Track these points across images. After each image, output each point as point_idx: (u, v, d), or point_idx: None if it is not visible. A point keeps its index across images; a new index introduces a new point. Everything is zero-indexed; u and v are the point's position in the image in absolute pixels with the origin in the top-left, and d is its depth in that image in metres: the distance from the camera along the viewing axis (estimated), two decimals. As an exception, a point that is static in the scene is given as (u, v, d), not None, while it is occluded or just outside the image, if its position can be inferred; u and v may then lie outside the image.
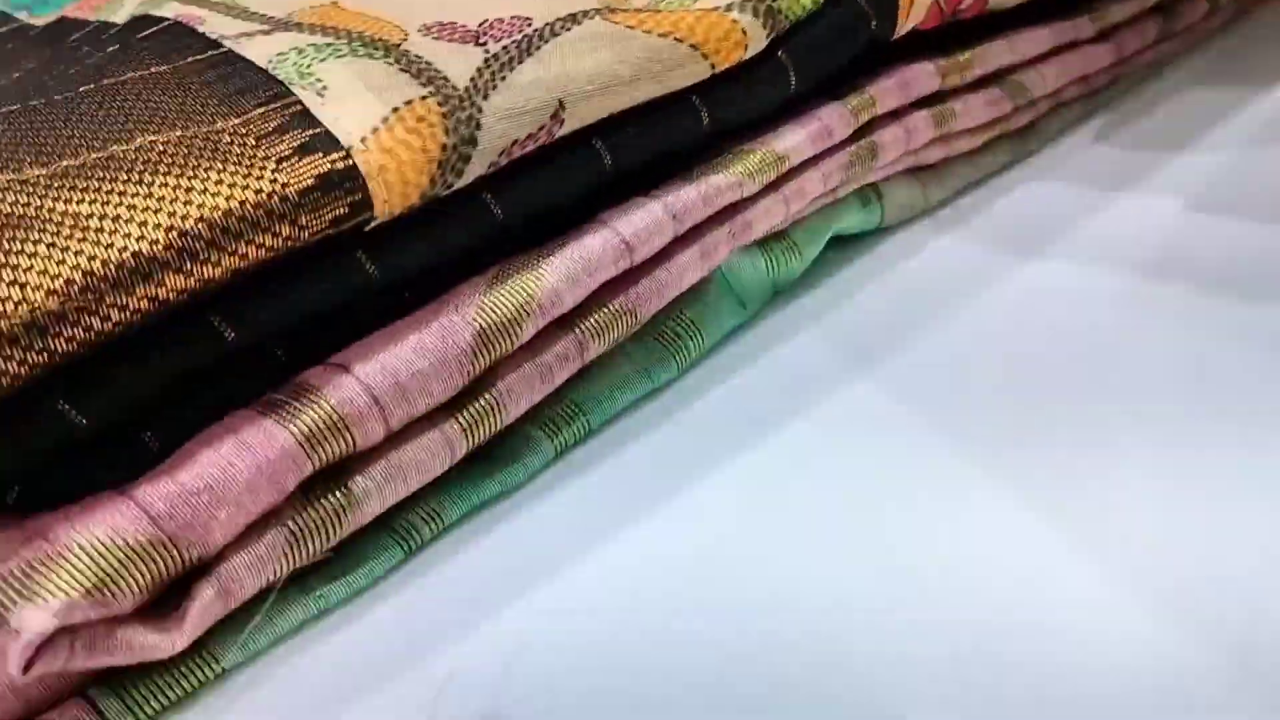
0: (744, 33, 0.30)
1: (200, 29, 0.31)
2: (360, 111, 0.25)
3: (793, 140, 0.33)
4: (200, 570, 0.24)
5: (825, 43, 0.33)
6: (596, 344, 0.30)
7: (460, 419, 0.28)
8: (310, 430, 0.25)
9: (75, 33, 0.34)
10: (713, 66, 0.30)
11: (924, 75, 0.36)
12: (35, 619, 0.22)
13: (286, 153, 0.24)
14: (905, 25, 0.34)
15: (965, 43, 0.38)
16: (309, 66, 0.27)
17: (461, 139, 0.26)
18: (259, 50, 0.28)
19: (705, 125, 0.31)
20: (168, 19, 0.32)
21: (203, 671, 0.25)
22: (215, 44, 0.29)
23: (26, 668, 0.22)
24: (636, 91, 0.29)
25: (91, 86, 0.28)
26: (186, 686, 0.25)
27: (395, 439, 0.27)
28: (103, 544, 0.23)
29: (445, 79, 0.26)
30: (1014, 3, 0.38)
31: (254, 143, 0.24)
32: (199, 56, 0.29)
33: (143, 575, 0.23)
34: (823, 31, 0.33)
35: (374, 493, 0.26)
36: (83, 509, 0.23)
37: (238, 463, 0.24)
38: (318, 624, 0.26)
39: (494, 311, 0.28)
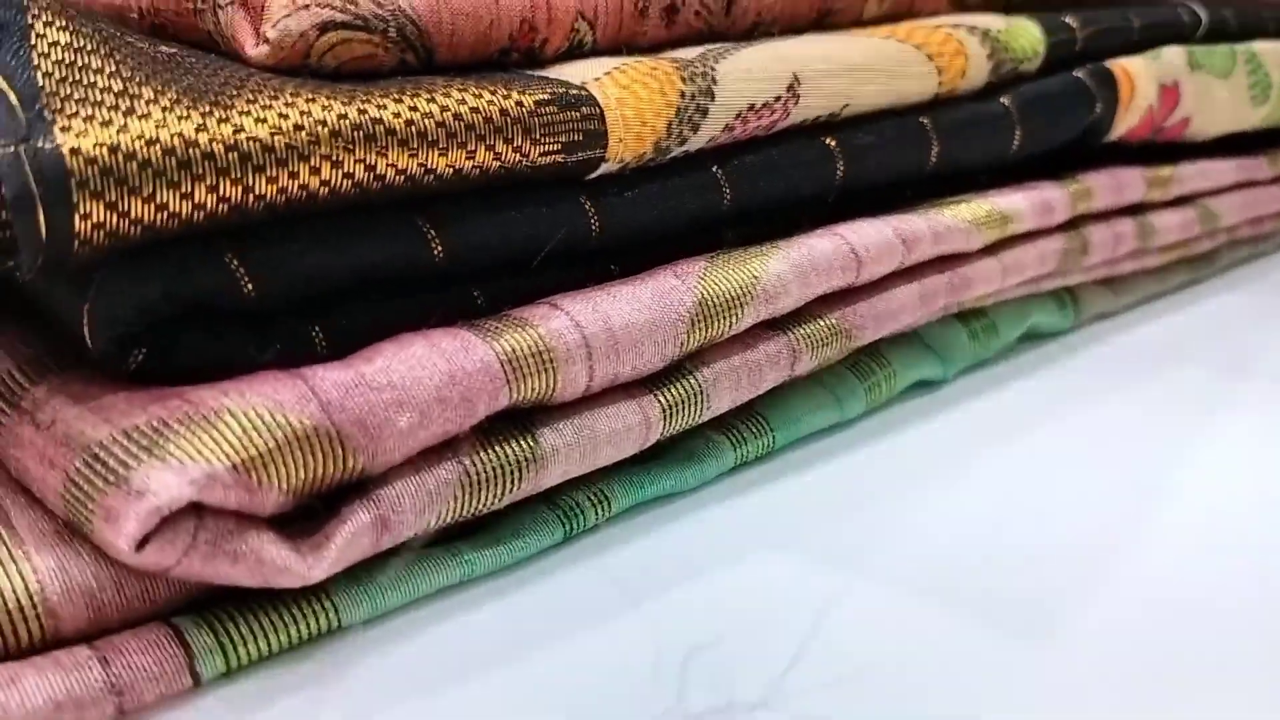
0: (961, 43, 0.30)
1: None
2: (593, 68, 0.24)
3: (1016, 204, 0.31)
4: (357, 490, 0.19)
5: (1050, 105, 0.32)
6: (809, 357, 0.26)
7: (661, 399, 0.23)
8: (514, 352, 0.20)
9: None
10: (938, 70, 0.29)
11: (1134, 179, 0.35)
12: (167, 482, 0.16)
13: (532, 90, 0.22)
14: (1122, 121, 0.33)
15: (1166, 159, 0.37)
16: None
17: (699, 89, 0.24)
18: None
19: (934, 154, 0.29)
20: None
21: (317, 620, 0.19)
22: None
23: (142, 543, 0.16)
24: (870, 83, 0.27)
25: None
26: (294, 635, 0.19)
27: (591, 403, 0.22)
28: (259, 416, 0.18)
29: (674, 56, 0.25)
30: (1211, 135, 0.38)
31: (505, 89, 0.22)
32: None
33: (298, 468, 0.18)
34: (1048, 92, 0.32)
35: (561, 453, 0.21)
36: (239, 379, 0.18)
37: (429, 366, 0.19)
38: (457, 593, 0.21)
39: (717, 285, 0.24)
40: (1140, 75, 0.33)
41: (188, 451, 0.17)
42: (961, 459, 0.27)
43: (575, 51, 0.24)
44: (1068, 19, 0.33)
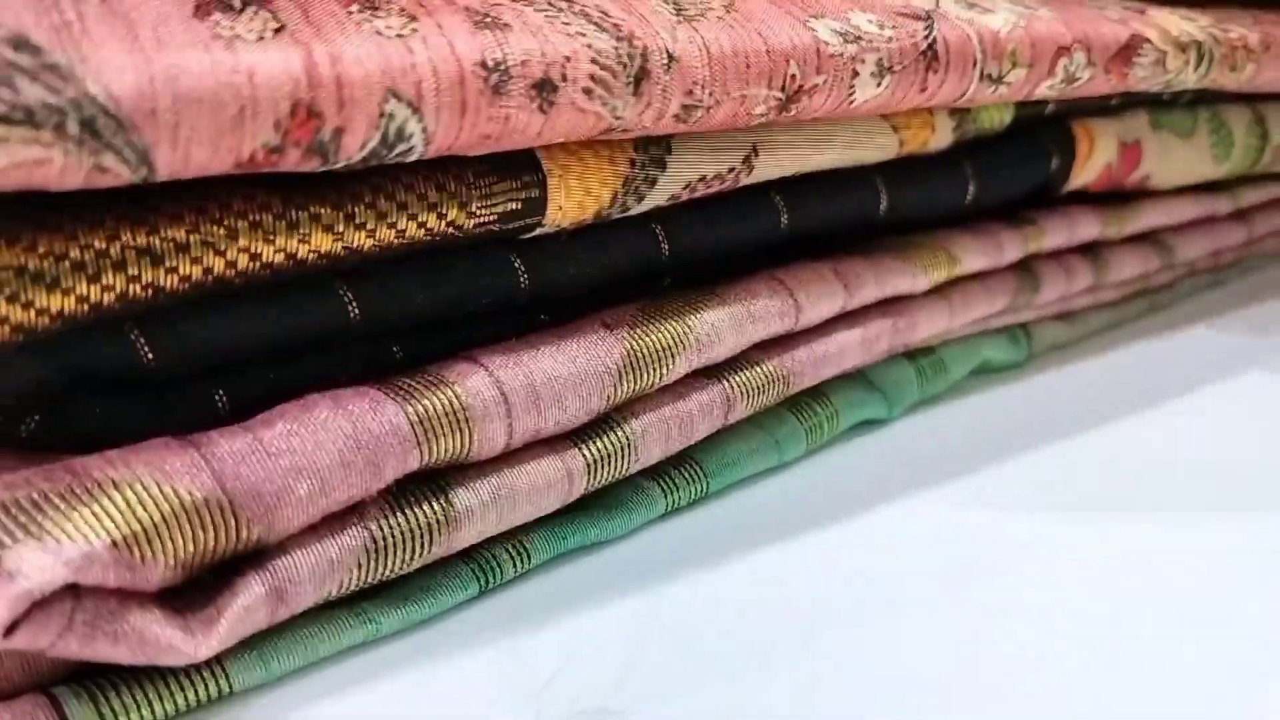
0: (931, 113, 0.28)
1: None
2: None
3: (965, 244, 0.30)
4: (251, 560, 0.18)
5: (1007, 165, 0.31)
6: (744, 405, 0.25)
7: (586, 453, 0.22)
8: (426, 414, 0.20)
9: None
10: (901, 142, 0.27)
11: (1088, 218, 0.34)
12: (41, 564, 0.16)
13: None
14: (1078, 178, 0.33)
15: (1123, 200, 0.36)
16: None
17: (651, 159, 0.23)
18: None
19: (883, 207, 0.28)
20: None
21: (206, 687, 0.18)
22: None
23: (9, 630, 0.15)
24: (828, 151, 0.26)
25: None
26: (181, 703, 0.18)
27: (511, 459, 0.21)
28: (145, 489, 0.17)
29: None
30: (1174, 185, 0.37)
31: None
32: None
33: (186, 541, 0.17)
34: (1007, 153, 0.31)
35: (476, 514, 0.21)
36: (126, 449, 0.18)
37: (333, 429, 0.19)
38: (362, 653, 0.20)
39: (647, 335, 0.23)
40: (1101, 133, 0.32)
41: (65, 530, 0.16)
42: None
43: (394, 146, 0.18)
44: None
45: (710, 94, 0.21)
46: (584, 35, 0.19)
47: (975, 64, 0.25)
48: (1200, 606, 0.23)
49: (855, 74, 0.23)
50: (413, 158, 0.18)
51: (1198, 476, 0.28)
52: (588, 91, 0.19)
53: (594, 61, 0.19)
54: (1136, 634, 0.22)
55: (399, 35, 0.18)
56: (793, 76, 0.22)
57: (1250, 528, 0.26)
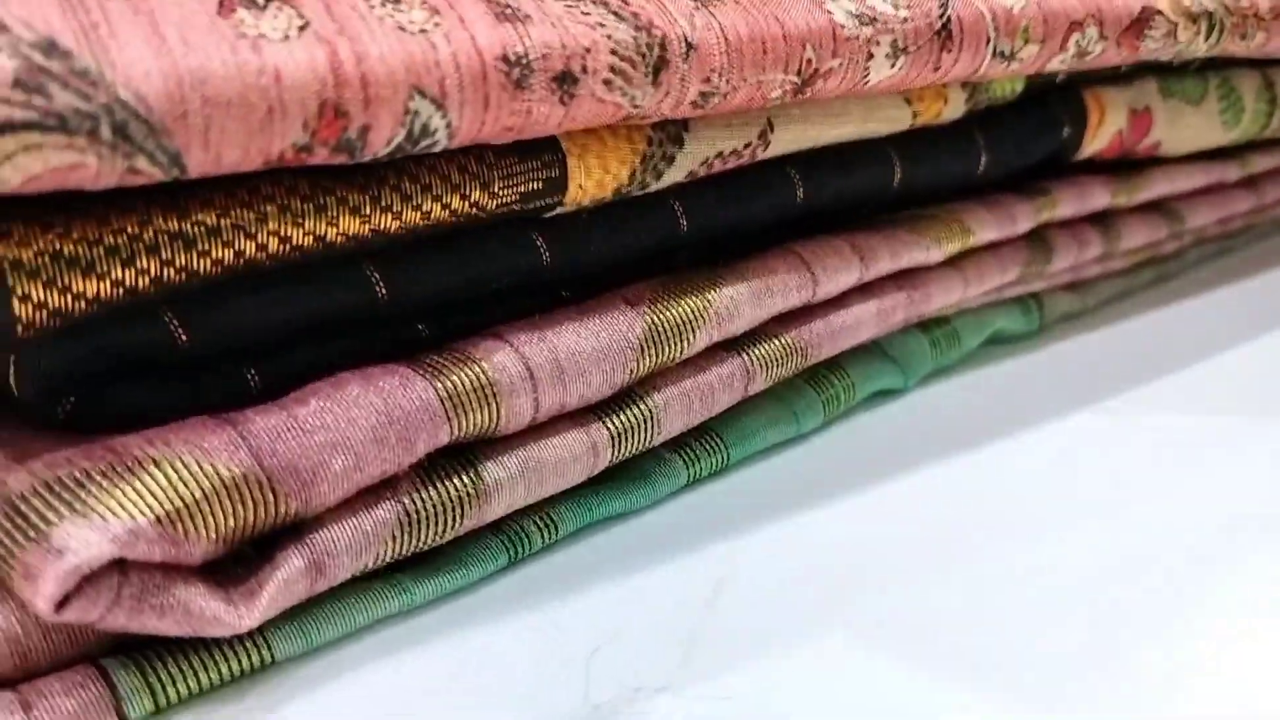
0: (944, 85, 0.28)
1: None
2: None
3: (978, 215, 0.31)
4: (290, 534, 0.19)
5: (1019, 135, 0.31)
6: (763, 377, 0.25)
7: (610, 425, 0.23)
8: (455, 390, 0.20)
9: None
10: (914, 114, 0.28)
11: (1099, 187, 0.34)
12: (87, 540, 0.16)
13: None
14: (1089, 145, 0.33)
15: (1133, 168, 0.36)
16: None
17: (669, 136, 0.23)
18: None
19: (897, 179, 0.28)
20: None
21: (249, 656, 0.19)
22: None
23: (60, 604, 0.16)
24: (843, 125, 0.26)
25: None
26: (225, 672, 0.19)
27: (538, 432, 0.22)
28: (185, 466, 0.17)
29: None
30: (1184, 151, 0.37)
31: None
32: None
33: (226, 517, 0.17)
34: (1019, 123, 0.31)
35: (505, 486, 0.21)
36: (165, 427, 0.18)
37: (365, 405, 0.19)
38: (399, 622, 0.21)
39: (668, 309, 0.23)
40: (1111, 101, 0.32)
41: (110, 506, 0.16)
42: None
43: (419, 141, 0.18)
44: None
45: (727, 81, 0.21)
46: (603, 25, 0.19)
47: (988, 41, 0.25)
48: (1216, 568, 0.23)
49: (870, 55, 0.23)
50: (437, 149, 0.19)
51: (1210, 446, 0.28)
52: (608, 83, 0.20)
53: (614, 53, 0.19)
54: (1157, 590, 0.22)
55: (422, 30, 0.18)
56: (809, 61, 0.22)
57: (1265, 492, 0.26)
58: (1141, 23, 0.29)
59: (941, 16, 0.24)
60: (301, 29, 0.17)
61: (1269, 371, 0.33)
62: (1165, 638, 0.21)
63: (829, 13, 0.23)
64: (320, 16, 0.17)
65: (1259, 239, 0.43)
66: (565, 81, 0.19)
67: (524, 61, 0.18)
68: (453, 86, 0.18)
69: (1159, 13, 0.29)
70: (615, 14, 0.20)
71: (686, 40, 0.20)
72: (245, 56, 0.16)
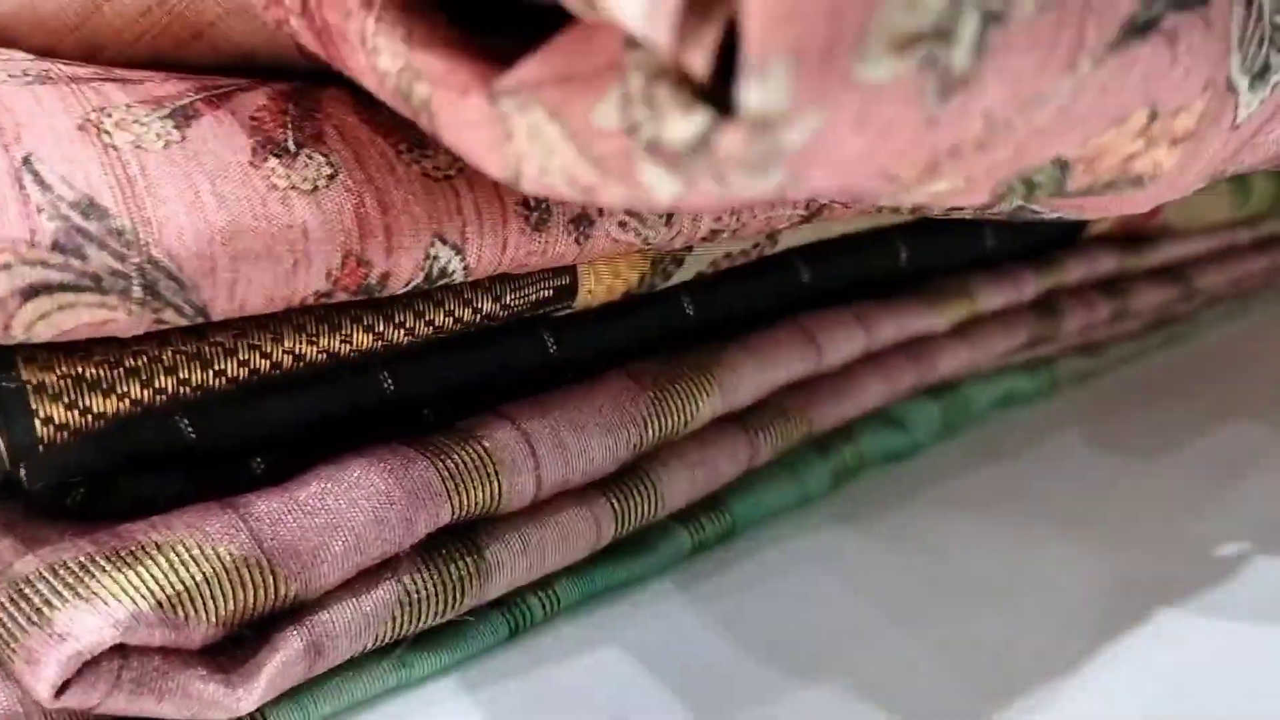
0: None
1: None
2: None
3: (985, 286, 0.31)
4: (290, 615, 0.19)
5: (1023, 218, 0.31)
6: (769, 448, 0.26)
7: (614, 502, 0.23)
8: (456, 468, 0.20)
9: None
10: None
11: (1107, 254, 0.34)
12: (89, 625, 0.16)
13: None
14: (1098, 224, 0.33)
15: (1143, 238, 0.36)
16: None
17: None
18: None
19: (904, 264, 0.29)
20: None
21: (248, 736, 0.19)
22: None
23: (61, 689, 0.16)
24: (850, 222, 0.27)
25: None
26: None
27: (540, 510, 0.22)
28: (186, 550, 0.18)
29: None
30: (1193, 228, 0.37)
31: None
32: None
33: (227, 600, 0.18)
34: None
35: (507, 565, 0.21)
36: (169, 513, 0.18)
37: (366, 486, 0.19)
38: (398, 697, 0.21)
39: (671, 384, 0.24)
40: None
41: (113, 591, 0.17)
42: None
43: (437, 281, 0.19)
44: None
45: (738, 219, 0.21)
46: None
47: None
48: (1219, 630, 0.23)
49: None
50: (454, 283, 0.19)
51: (1216, 509, 0.28)
52: (623, 224, 0.20)
53: None
54: (1156, 635, 0.22)
55: (446, 176, 0.18)
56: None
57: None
58: None
59: None
60: (330, 179, 0.17)
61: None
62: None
63: None
64: (349, 165, 0.18)
65: (1273, 299, 0.43)
66: (581, 224, 0.20)
67: (543, 206, 0.19)
68: (474, 233, 0.18)
69: None
70: None
71: None
72: (275, 209, 0.17)
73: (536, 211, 0.19)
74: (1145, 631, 0.23)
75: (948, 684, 0.22)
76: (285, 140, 0.18)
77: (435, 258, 0.18)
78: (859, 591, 0.25)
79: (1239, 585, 0.25)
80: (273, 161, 0.17)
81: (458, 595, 0.20)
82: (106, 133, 0.17)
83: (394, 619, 0.20)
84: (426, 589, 0.20)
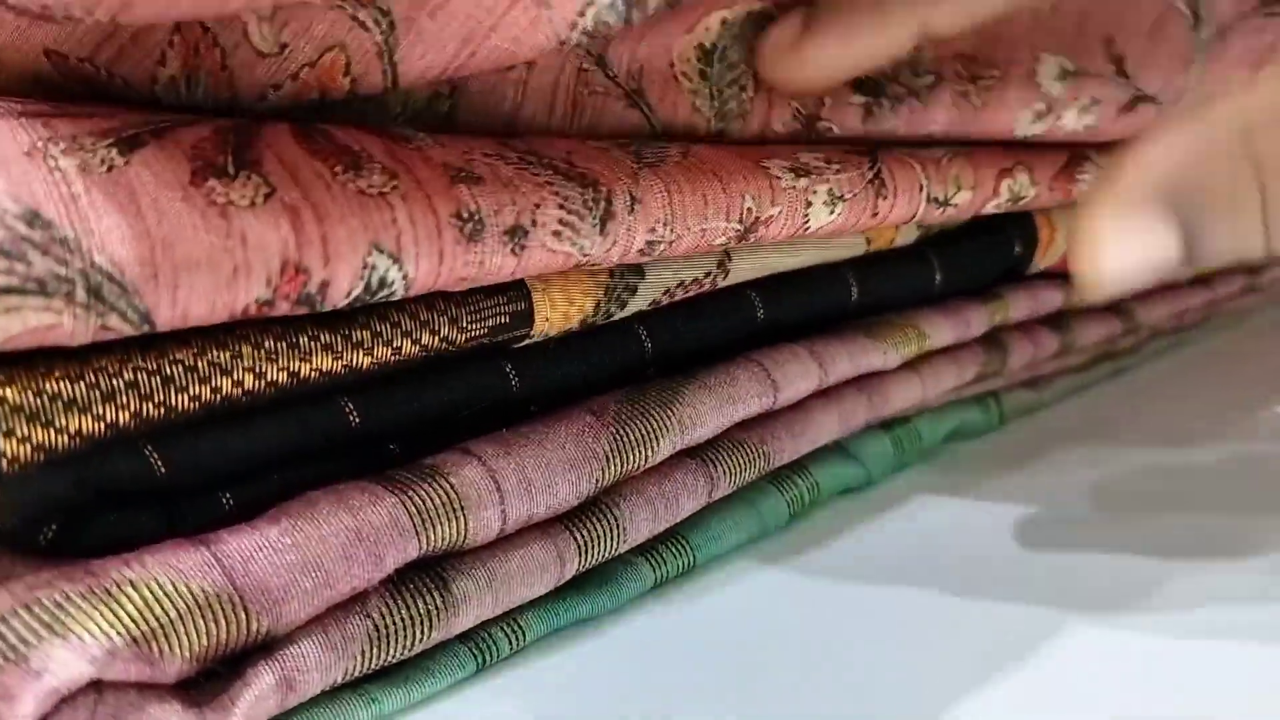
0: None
1: None
2: None
3: (934, 323, 0.32)
4: (261, 651, 0.19)
5: (972, 255, 0.33)
6: (727, 482, 0.26)
7: (577, 535, 0.23)
8: (424, 505, 0.21)
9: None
10: (868, 241, 0.29)
11: (1051, 290, 0.36)
12: (66, 660, 0.17)
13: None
14: (1042, 261, 0.34)
15: None
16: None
17: (629, 266, 0.24)
18: None
19: (854, 299, 0.30)
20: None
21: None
22: None
23: (37, 724, 0.16)
24: (800, 254, 0.28)
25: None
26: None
27: (505, 544, 0.23)
28: (160, 586, 0.18)
29: None
30: None
31: None
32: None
33: (200, 636, 0.18)
34: (972, 244, 0.33)
35: (473, 598, 0.22)
36: (141, 550, 0.19)
37: (335, 523, 0.20)
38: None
39: (632, 420, 0.24)
40: (1062, 223, 0.34)
41: (88, 628, 0.17)
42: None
43: (377, 292, 0.19)
44: None
45: (672, 230, 0.22)
46: (552, 184, 0.21)
47: (921, 189, 0.27)
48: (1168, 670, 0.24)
49: (809, 203, 0.25)
50: (395, 299, 0.20)
51: (1166, 532, 0.29)
52: (557, 234, 0.21)
53: (561, 206, 0.21)
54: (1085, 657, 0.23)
55: (380, 193, 0.19)
56: (749, 209, 0.24)
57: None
58: (1072, 166, 0.30)
59: (872, 167, 0.26)
60: (268, 195, 0.18)
61: (1229, 463, 0.34)
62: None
63: (765, 168, 0.24)
64: (285, 184, 0.19)
65: (1215, 330, 0.45)
66: (516, 234, 0.20)
67: (476, 217, 0.20)
68: (409, 241, 0.19)
69: (1088, 159, 0.31)
70: (564, 175, 0.21)
71: (631, 194, 0.22)
72: (214, 221, 0.18)
73: (470, 223, 0.20)
74: (1082, 654, 0.24)
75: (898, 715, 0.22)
76: (225, 164, 0.19)
77: (373, 267, 0.19)
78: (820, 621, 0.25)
79: (1167, 606, 0.26)
80: (213, 181, 0.18)
81: (426, 628, 0.21)
82: (53, 158, 0.17)
83: (363, 653, 0.20)
84: (395, 623, 0.21)
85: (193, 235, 0.17)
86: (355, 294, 0.19)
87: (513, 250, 0.20)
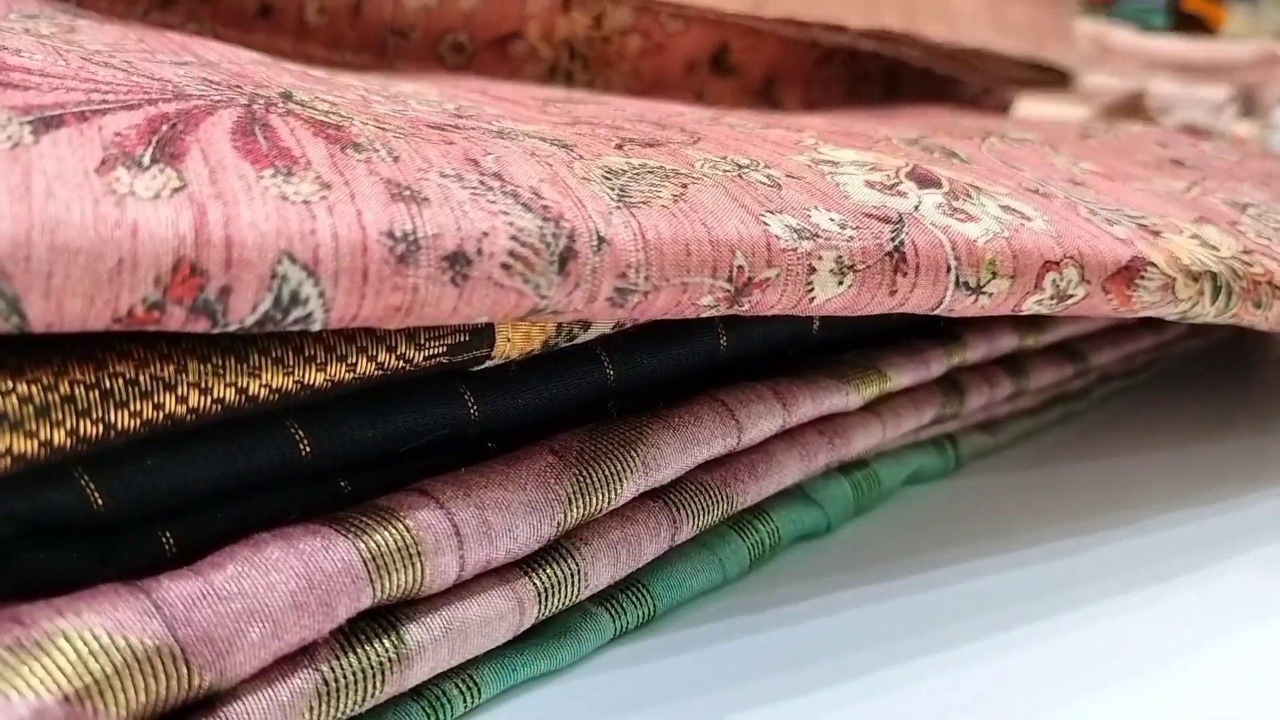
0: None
1: None
2: None
3: (894, 363, 0.31)
4: (203, 706, 0.18)
5: None
6: (689, 526, 0.26)
7: (536, 581, 0.22)
8: (378, 550, 0.20)
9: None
10: None
11: (1007, 332, 0.36)
12: (-12, 722, 0.15)
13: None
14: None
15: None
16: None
17: None
18: None
19: (815, 331, 0.29)
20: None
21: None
22: None
23: (-44, 792, 0.15)
24: None
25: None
26: None
27: (462, 590, 0.21)
28: (96, 639, 0.17)
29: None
30: None
31: None
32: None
33: (138, 692, 0.17)
34: None
35: (428, 649, 0.20)
36: (75, 596, 0.17)
37: (285, 569, 0.19)
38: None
39: (595, 461, 0.23)
40: None
41: (15, 685, 0.16)
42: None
43: (290, 311, 0.17)
44: None
45: (646, 278, 0.20)
46: (507, 214, 0.19)
47: (949, 270, 0.24)
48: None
49: (812, 270, 0.22)
50: (315, 326, 0.18)
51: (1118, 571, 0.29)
52: (506, 267, 0.19)
53: (513, 238, 0.19)
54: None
55: (305, 201, 0.18)
56: (740, 268, 0.22)
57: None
58: (1131, 272, 0.27)
59: (893, 239, 0.24)
60: (176, 190, 0.17)
61: (1175, 503, 0.34)
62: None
63: (765, 224, 0.22)
64: (200, 181, 0.17)
65: (1161, 375, 0.45)
66: (458, 262, 0.18)
67: (410, 238, 0.18)
68: (327, 254, 0.17)
69: (1151, 264, 0.27)
70: (524, 205, 0.20)
71: (598, 234, 0.20)
72: (105, 210, 0.16)
73: (403, 243, 0.18)
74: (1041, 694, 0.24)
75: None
76: (141, 155, 0.17)
77: (284, 278, 0.17)
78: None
79: (1123, 648, 0.26)
80: (119, 171, 0.17)
81: (378, 682, 0.20)
82: None
83: (311, 708, 0.19)
84: (346, 676, 0.19)
85: (79, 221, 0.16)
86: (263, 309, 0.17)
87: (454, 279, 0.18)
